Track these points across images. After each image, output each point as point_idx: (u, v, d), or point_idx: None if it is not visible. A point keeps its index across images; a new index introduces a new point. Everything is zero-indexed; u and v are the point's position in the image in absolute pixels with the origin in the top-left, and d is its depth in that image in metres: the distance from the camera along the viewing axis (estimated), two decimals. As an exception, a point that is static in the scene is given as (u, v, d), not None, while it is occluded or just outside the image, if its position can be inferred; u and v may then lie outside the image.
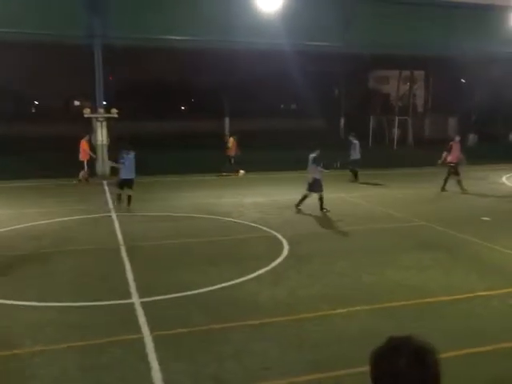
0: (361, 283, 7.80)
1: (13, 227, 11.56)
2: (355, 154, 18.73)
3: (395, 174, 20.18)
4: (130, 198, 13.50)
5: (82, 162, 18.82)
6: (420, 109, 46.65)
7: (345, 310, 6.72)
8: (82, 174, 18.70)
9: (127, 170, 13.46)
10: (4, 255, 9.37)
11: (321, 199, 13.15)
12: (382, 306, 6.88)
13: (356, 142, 18.93)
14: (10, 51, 26.70)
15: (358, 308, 6.79)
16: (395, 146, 33.48)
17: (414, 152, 29.64)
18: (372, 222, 12.13)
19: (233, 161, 20.40)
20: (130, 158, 13.46)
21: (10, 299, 7.05)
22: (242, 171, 20.39)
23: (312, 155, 13.35)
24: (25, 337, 5.96)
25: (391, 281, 7.93)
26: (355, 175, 18.76)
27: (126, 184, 13.51)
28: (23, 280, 7.95)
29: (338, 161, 20.02)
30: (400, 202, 14.95)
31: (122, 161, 13.40)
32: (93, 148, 19.84)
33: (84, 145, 18.89)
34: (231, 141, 20.63)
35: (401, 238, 10.67)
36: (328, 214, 12.96)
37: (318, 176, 13.12)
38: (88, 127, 21.81)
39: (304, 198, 13.31)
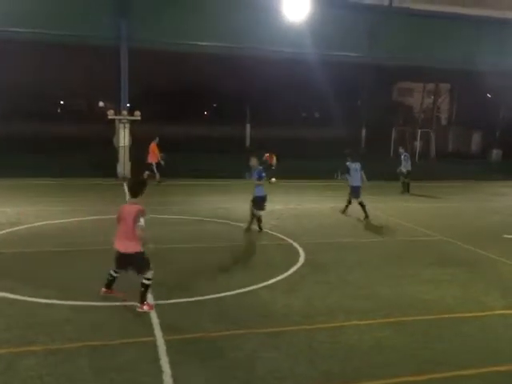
0: (377, 295, 7.71)
1: (33, 224, 11.74)
2: (407, 166, 18.93)
3: (416, 186, 19.96)
4: (361, 204, 14.10)
5: (151, 164, 18.84)
6: (444, 122, 46.23)
7: (359, 322, 6.65)
8: (145, 174, 18.45)
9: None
10: (24, 252, 9.51)
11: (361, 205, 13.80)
12: (398, 319, 6.78)
13: (407, 153, 19.27)
14: (36, 51, 27.22)
15: (373, 321, 6.71)
16: (417, 159, 33.21)
17: (437, 165, 29.35)
18: (390, 234, 12.01)
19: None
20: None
21: (30, 296, 7.14)
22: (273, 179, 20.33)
23: (356, 164, 13.94)
24: (42, 334, 6.01)
25: (408, 294, 7.82)
26: (407, 186, 19.00)
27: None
28: (43, 278, 8.04)
29: (339, 171, 20.11)
30: (420, 216, 14.77)
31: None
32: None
33: (154, 147, 18.95)
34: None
35: (419, 252, 10.53)
36: (358, 223, 12.94)
37: (359, 183, 13.89)
38: (111, 128, 22.11)
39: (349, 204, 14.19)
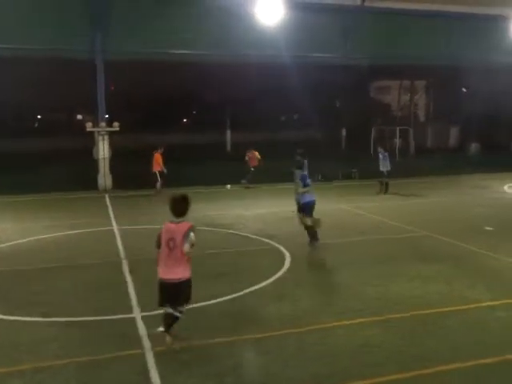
0: (364, 295, 7.75)
1: (16, 242, 11.57)
2: (386, 165, 18.70)
3: (397, 183, 20.14)
4: None
5: (155, 173, 18.79)
6: (422, 118, 46.73)
7: (348, 323, 6.68)
8: (158, 184, 18.76)
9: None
10: (7, 270, 9.37)
11: None
12: (386, 317, 6.83)
13: (385, 153, 19.02)
14: (11, 67, 26.90)
15: (362, 320, 6.74)
16: (397, 156, 33.49)
17: (416, 161, 29.65)
18: (374, 233, 12.10)
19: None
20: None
21: (14, 315, 7.03)
22: (228, 185, 20.28)
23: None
24: (28, 352, 5.94)
25: (394, 292, 7.88)
26: (386, 187, 18.69)
27: None
28: (27, 295, 7.93)
29: (320, 174, 20.28)
30: (402, 212, 14.91)
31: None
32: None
33: (158, 157, 18.81)
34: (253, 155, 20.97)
35: (403, 249, 10.62)
36: (342, 224, 12.98)
37: None
38: (90, 140, 21.91)
39: None
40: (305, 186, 10.62)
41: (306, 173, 11.07)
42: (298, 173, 10.96)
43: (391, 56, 24.14)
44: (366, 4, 22.48)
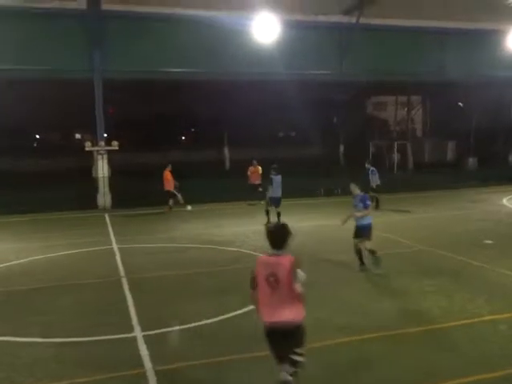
0: (366, 310, 7.71)
1: (14, 262, 11.52)
2: (375, 180, 18.53)
3: (395, 198, 20.18)
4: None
5: (168, 191, 18.80)
6: (419, 133, 46.97)
7: (351, 339, 6.62)
8: (171, 202, 18.83)
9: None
10: (5, 291, 9.31)
11: None
12: (389, 333, 6.78)
13: (374, 168, 18.79)
14: (10, 87, 27.07)
15: (364, 336, 6.69)
16: (395, 171, 33.59)
17: (414, 176, 29.73)
18: (377, 248, 12.05)
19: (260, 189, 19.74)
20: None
21: (12, 336, 6.98)
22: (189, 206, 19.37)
23: (278, 177, 15.39)
24: (28, 374, 5.88)
25: (396, 307, 7.84)
26: (377, 201, 18.28)
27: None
28: (26, 316, 7.87)
29: (322, 189, 20.09)
30: (401, 227, 14.89)
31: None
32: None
33: (168, 175, 18.83)
34: (254, 169, 20.54)
35: (403, 264, 10.59)
36: (341, 239, 12.96)
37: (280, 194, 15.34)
38: (89, 159, 21.96)
39: None
40: (365, 207, 9.93)
41: (365, 194, 10.32)
42: (356, 193, 10.13)
43: (387, 72, 24.34)
44: (361, 21, 22.73)
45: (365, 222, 9.94)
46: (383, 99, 49.33)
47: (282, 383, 4.73)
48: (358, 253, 10.01)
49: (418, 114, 44.90)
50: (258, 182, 20.32)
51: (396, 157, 35.14)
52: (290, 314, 4.70)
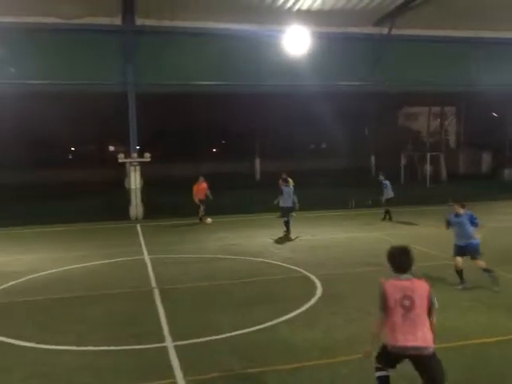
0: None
1: (50, 271, 11.78)
2: (388, 194, 18.43)
3: (429, 210, 19.81)
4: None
5: (200, 200, 18.92)
6: (453, 145, 46.19)
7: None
8: (201, 212, 18.96)
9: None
10: (42, 299, 9.52)
11: None
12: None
13: (386, 182, 18.58)
14: (47, 101, 27.92)
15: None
16: (428, 183, 33.06)
17: (448, 188, 29.17)
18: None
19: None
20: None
21: (49, 344, 7.11)
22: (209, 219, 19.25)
23: (290, 188, 16.06)
24: (60, 382, 5.97)
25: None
26: (389, 214, 18.47)
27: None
28: (61, 324, 8.02)
29: (353, 201, 19.94)
30: (436, 239, 14.58)
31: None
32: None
33: (202, 185, 19.02)
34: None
35: (438, 278, 10.36)
36: (372, 252, 12.80)
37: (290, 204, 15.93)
38: (122, 171, 22.36)
39: None
40: (476, 225, 9.59)
41: (471, 212, 9.78)
42: (461, 213, 9.69)
43: (419, 83, 24.06)
44: (393, 32, 22.59)
45: (474, 240, 9.55)
46: (415, 110, 48.77)
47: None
48: (460, 271, 9.62)
49: (451, 125, 44.18)
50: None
51: (429, 168, 34.58)
52: (425, 340, 4.69)
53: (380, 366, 4.96)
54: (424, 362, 4.64)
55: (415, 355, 4.63)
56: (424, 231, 16.15)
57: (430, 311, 4.75)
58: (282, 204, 16.06)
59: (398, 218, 18.72)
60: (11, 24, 18.99)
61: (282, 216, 16.30)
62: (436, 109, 41.39)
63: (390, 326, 4.75)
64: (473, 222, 9.60)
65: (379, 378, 4.97)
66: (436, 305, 4.84)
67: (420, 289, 4.76)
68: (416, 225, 17.54)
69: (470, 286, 9.45)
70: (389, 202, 18.48)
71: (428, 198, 23.74)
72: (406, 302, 4.69)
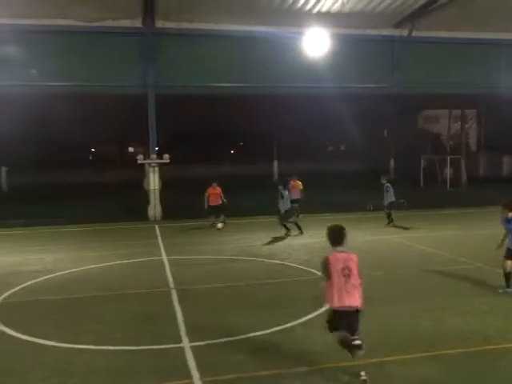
0: (416, 328, 7.51)
1: (69, 271, 11.94)
2: (389, 197, 17.70)
3: (449, 214, 19.62)
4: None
5: (214, 208, 18.41)
6: (473, 148, 45.62)
7: (400, 357, 6.46)
8: (222, 218, 18.48)
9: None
10: (61, 298, 9.65)
11: None
12: (440, 353, 6.57)
13: (389, 184, 17.88)
14: (68, 103, 28.32)
15: (414, 355, 6.51)
16: (448, 186, 32.71)
17: (468, 192, 28.83)
18: (425, 265, 11.75)
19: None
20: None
21: (68, 343, 7.20)
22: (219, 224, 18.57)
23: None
24: (80, 382, 6.05)
25: (448, 327, 7.58)
26: (390, 217, 17.86)
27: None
28: (80, 324, 8.12)
29: (371, 204, 19.67)
30: (454, 244, 14.43)
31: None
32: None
33: (217, 190, 18.34)
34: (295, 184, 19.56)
35: (456, 282, 10.26)
36: (389, 254, 12.70)
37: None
38: (141, 172, 22.56)
39: None
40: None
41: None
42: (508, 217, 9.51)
43: (440, 85, 23.83)
44: (413, 34, 22.42)
45: None
46: (436, 112, 48.30)
47: (357, 346, 5.77)
48: (508, 274, 9.41)
49: (472, 128, 43.64)
50: (297, 197, 19.26)
51: (449, 172, 34.20)
52: (358, 301, 5.81)
53: (336, 328, 5.91)
54: (354, 316, 5.79)
55: (352, 312, 5.75)
56: (443, 235, 15.98)
57: (359, 275, 5.91)
58: (281, 207, 16.16)
59: (417, 221, 18.58)
60: (32, 27, 19.33)
61: (285, 220, 16.27)
62: (457, 111, 40.92)
63: (336, 291, 5.75)
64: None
65: (336, 334, 5.94)
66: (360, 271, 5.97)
67: (354, 260, 5.91)
68: (435, 228, 17.37)
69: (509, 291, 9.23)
70: (390, 205, 17.81)
71: (448, 202, 23.50)
72: (346, 271, 5.80)
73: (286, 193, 16.58)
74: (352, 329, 5.78)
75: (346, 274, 5.78)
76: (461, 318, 7.98)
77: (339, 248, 5.93)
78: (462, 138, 39.69)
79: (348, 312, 5.73)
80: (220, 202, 18.38)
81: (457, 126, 42.23)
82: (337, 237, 5.98)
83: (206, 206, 18.32)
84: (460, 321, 7.83)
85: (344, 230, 6.00)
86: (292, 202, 18.66)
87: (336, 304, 5.74)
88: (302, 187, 19.57)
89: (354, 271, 5.83)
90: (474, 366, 6.23)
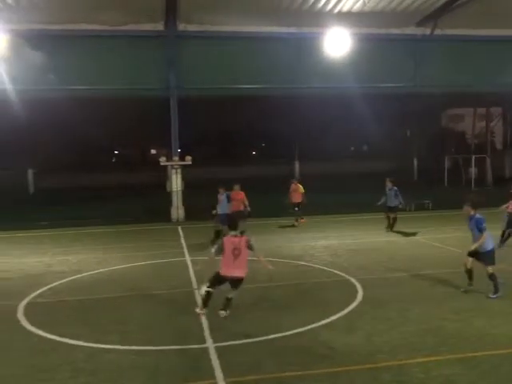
0: (441, 331, 7.42)
1: (95, 271, 12.11)
2: (395, 201, 16.71)
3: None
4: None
5: (295, 204, 18.23)
6: (499, 146, 44.83)
7: (425, 360, 6.40)
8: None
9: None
10: (87, 299, 9.81)
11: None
12: (466, 355, 6.49)
13: (395, 188, 16.88)
14: (93, 106, 28.73)
15: (439, 357, 6.44)
16: (473, 186, 32.21)
17: (494, 191, 28.32)
18: (452, 266, 11.58)
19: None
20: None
21: (96, 342, 7.32)
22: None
23: None
24: (107, 380, 6.14)
25: (475, 329, 7.48)
26: (391, 222, 16.94)
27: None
28: (106, 323, 8.25)
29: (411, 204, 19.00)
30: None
31: None
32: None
33: (240, 195, 16.86)
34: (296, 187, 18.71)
35: (484, 284, 10.09)
36: (413, 256, 12.57)
37: None
38: (164, 174, 22.77)
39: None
40: (480, 231, 8.95)
41: (480, 216, 9.09)
42: (471, 214, 9.12)
43: (464, 84, 23.49)
44: (436, 32, 22.15)
45: (488, 247, 9.05)
46: (460, 111, 47.58)
47: (229, 298, 8.03)
48: (469, 271, 9.32)
49: (497, 126, 42.87)
50: (298, 200, 18.54)
51: (474, 171, 33.69)
52: (243, 273, 8.05)
53: (209, 285, 8.09)
54: (238, 282, 8.04)
55: (236, 279, 8.00)
56: (466, 235, 15.69)
57: (251, 249, 8.06)
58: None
59: (440, 221, 18.35)
60: (56, 31, 19.74)
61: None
62: (481, 109, 40.27)
63: (224, 264, 7.97)
64: (479, 229, 9.03)
65: (207, 292, 8.08)
66: (254, 245, 8.16)
67: (243, 242, 7.98)
68: (461, 229, 17.08)
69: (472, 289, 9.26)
70: (394, 208, 16.89)
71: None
72: (236, 252, 7.93)
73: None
74: (233, 287, 8.06)
75: (236, 254, 7.90)
76: (488, 320, 7.86)
77: (233, 233, 8.06)
78: (487, 136, 39.05)
79: (232, 279, 7.97)
80: (243, 208, 16.07)
81: (482, 124, 41.55)
82: (231, 224, 8.20)
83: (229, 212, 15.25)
84: (487, 323, 7.71)
85: (237, 218, 8.37)
86: (293, 205, 18.56)
87: (223, 273, 7.98)
88: (303, 191, 18.61)
89: (243, 251, 7.91)
90: (502, 368, 6.13)
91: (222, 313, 7.92)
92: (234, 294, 8.08)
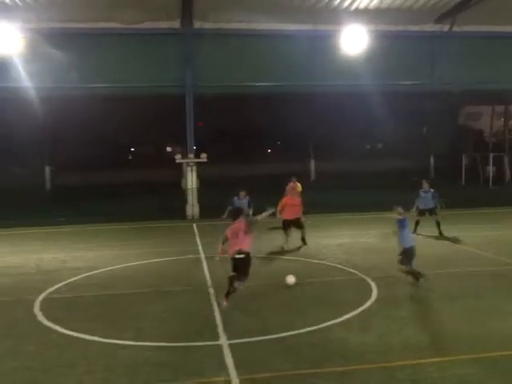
0: (458, 330, 7.36)
1: (111, 268, 12.23)
2: (429, 203, 15.84)
3: (492, 213, 19.07)
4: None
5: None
6: (517, 145, 44.17)
7: (440, 359, 6.35)
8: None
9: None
10: (102, 295, 9.92)
11: None
12: (482, 355, 6.42)
13: (431, 190, 16.01)
14: (108, 104, 28.96)
15: (455, 358, 6.39)
16: (491, 185, 31.83)
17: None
18: (467, 265, 11.49)
19: None
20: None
21: (111, 338, 7.40)
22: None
23: None
24: (122, 376, 6.19)
25: (492, 328, 7.40)
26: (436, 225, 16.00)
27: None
28: (122, 320, 8.33)
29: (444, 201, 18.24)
30: (498, 244, 14.05)
31: None
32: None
33: (298, 186, 17.19)
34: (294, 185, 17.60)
35: (502, 283, 9.99)
36: (429, 255, 12.48)
37: None
38: (180, 172, 22.87)
39: None
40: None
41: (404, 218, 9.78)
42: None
43: (482, 81, 23.18)
44: (454, 29, 21.90)
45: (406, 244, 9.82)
46: (478, 109, 46.95)
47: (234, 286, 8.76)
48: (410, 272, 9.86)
49: (516, 124, 42.28)
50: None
51: (492, 169, 33.27)
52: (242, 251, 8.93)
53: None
54: (240, 262, 8.86)
55: (238, 259, 8.87)
56: (487, 235, 15.56)
57: (253, 223, 9.24)
58: None
59: (459, 219, 18.17)
60: (74, 30, 19.93)
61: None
62: (500, 107, 39.72)
63: (231, 245, 9.01)
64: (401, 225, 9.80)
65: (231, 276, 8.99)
66: (254, 220, 9.60)
67: (241, 225, 9.00)
68: (479, 228, 16.94)
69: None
70: (432, 211, 16.00)
71: (491, 200, 22.87)
72: (235, 235, 8.97)
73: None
74: (238, 274, 8.95)
75: (235, 236, 8.98)
76: (502, 320, 7.77)
77: (236, 221, 9.19)
78: (506, 134, 38.53)
79: (235, 258, 8.95)
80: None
81: (500, 122, 41.00)
82: (233, 216, 9.50)
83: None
84: (502, 324, 7.63)
85: (238, 212, 9.59)
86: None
87: (231, 254, 9.07)
88: (301, 189, 17.91)
89: (240, 233, 8.90)
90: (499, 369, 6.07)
91: (223, 303, 8.60)
92: (238, 284, 8.85)
